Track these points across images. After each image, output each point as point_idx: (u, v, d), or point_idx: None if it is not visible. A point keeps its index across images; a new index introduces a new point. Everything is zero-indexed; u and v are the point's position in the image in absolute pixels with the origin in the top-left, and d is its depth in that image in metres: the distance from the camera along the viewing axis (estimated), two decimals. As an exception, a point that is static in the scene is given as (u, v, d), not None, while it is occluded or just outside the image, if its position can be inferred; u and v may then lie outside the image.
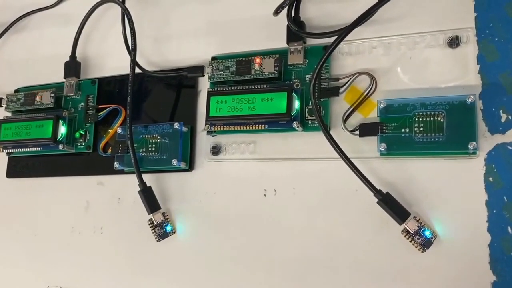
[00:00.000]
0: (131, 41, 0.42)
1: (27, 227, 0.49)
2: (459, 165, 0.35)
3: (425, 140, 0.34)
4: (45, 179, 0.49)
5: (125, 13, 0.43)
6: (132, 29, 0.42)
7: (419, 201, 0.35)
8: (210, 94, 0.40)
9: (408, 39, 0.38)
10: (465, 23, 0.36)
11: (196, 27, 0.46)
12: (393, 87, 0.38)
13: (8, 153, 0.50)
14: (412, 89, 0.37)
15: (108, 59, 0.49)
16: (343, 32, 0.34)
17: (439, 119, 0.34)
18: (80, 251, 0.46)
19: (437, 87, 0.36)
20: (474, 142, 0.33)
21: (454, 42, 0.36)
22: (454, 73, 0.36)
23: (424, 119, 0.35)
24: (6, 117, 0.49)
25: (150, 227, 0.42)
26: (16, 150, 0.48)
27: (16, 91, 0.51)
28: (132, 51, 0.42)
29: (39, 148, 0.47)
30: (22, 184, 0.50)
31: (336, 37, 0.35)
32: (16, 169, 0.50)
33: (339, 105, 0.39)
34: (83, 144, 0.46)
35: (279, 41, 0.42)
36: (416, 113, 0.35)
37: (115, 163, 0.43)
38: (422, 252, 0.34)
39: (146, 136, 0.43)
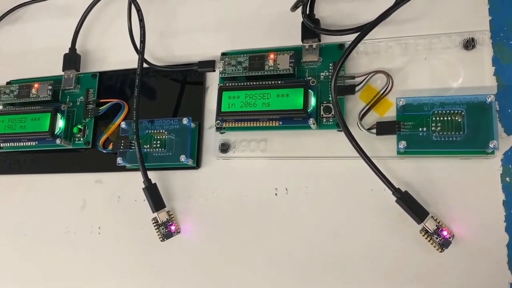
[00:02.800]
0: (140, 33, 0.41)
1: (15, 227, 0.46)
2: (476, 165, 0.35)
3: (443, 139, 0.34)
4: (38, 176, 0.46)
5: (134, 4, 0.42)
6: (142, 20, 0.41)
7: (436, 201, 0.35)
8: (222, 89, 0.39)
9: (424, 40, 0.38)
10: (480, 25, 0.37)
11: (203, 24, 0.45)
12: (408, 87, 0.38)
13: (-4, 148, 0.47)
14: (427, 89, 0.37)
15: (110, 53, 0.47)
16: (366, 29, 0.34)
17: (457, 118, 0.34)
18: (74, 252, 0.43)
19: (452, 88, 0.36)
20: (494, 141, 0.33)
21: (470, 43, 0.37)
22: (470, 74, 0.36)
23: (442, 118, 0.34)
24: (-2, 109, 0.47)
25: (154, 226, 0.40)
26: (7, 144, 0.45)
27: (8, 83, 0.49)
28: (141, 43, 0.41)
29: (34, 143, 0.44)
30: (11, 181, 0.47)
31: (358, 33, 0.34)
32: (6, 165, 0.47)
33: (353, 103, 0.38)
34: (82, 139, 0.44)
35: (287, 39, 0.41)
36: (435, 112, 0.35)
37: (118, 159, 0.41)
38: (441, 252, 0.34)
39: (152, 131, 0.41)
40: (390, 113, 0.37)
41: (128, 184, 0.43)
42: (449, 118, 0.34)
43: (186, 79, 0.44)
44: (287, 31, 0.42)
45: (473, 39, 0.37)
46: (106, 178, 0.44)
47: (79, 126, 0.44)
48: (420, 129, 0.35)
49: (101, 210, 0.43)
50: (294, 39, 0.41)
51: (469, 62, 0.37)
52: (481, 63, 0.36)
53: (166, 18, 0.46)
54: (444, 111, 0.35)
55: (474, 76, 0.36)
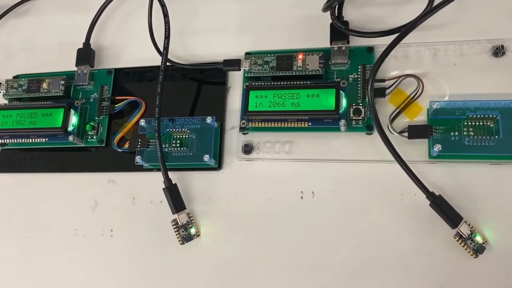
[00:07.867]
0: (165, 28, 0.40)
1: (18, 228, 0.43)
2: (508, 170, 0.35)
3: (476, 143, 0.34)
4: (45, 174, 0.44)
5: (159, -1, 0.41)
6: (166, 15, 0.40)
7: (468, 206, 0.35)
8: (249, 88, 0.38)
9: (454, 46, 0.38)
10: (510, 33, 0.37)
11: (223, 24, 0.44)
12: (436, 92, 0.38)
13: (0, 144, 0.44)
14: (456, 94, 0.37)
15: (127, 50, 0.46)
16: (405, 30, 0.34)
17: (489, 123, 0.34)
18: (83, 255, 0.41)
19: (481, 94, 0.36)
20: (530, 146, 0.33)
21: (499, 51, 0.37)
22: (499, 81, 0.37)
23: (476, 122, 0.34)
24: (5, 104, 0.44)
25: (174, 228, 0.38)
26: (13, 141, 0.43)
27: (15, 77, 0.47)
28: (165, 38, 0.39)
29: (44, 140, 0.42)
30: (15, 180, 0.45)
31: (397, 35, 0.34)
32: (10, 163, 0.45)
33: (380, 106, 0.38)
34: (95, 137, 0.42)
35: (310, 42, 0.41)
36: (470, 116, 0.34)
37: (136, 157, 0.39)
38: (475, 257, 0.33)
39: (172, 130, 0.40)
40: (420, 117, 0.37)
41: (144, 184, 0.41)
42: (481, 123, 0.34)
43: (207, 79, 0.43)
44: (309, 34, 0.42)
45: (502, 46, 0.37)
46: (120, 178, 0.42)
47: (92, 124, 0.43)
48: (452, 134, 0.35)
49: (114, 212, 0.41)
50: (318, 41, 0.41)
51: (499, 69, 0.37)
52: (510, 70, 0.37)
53: (185, 17, 0.45)
54: (477, 116, 0.34)
55: (503, 82, 0.36)
